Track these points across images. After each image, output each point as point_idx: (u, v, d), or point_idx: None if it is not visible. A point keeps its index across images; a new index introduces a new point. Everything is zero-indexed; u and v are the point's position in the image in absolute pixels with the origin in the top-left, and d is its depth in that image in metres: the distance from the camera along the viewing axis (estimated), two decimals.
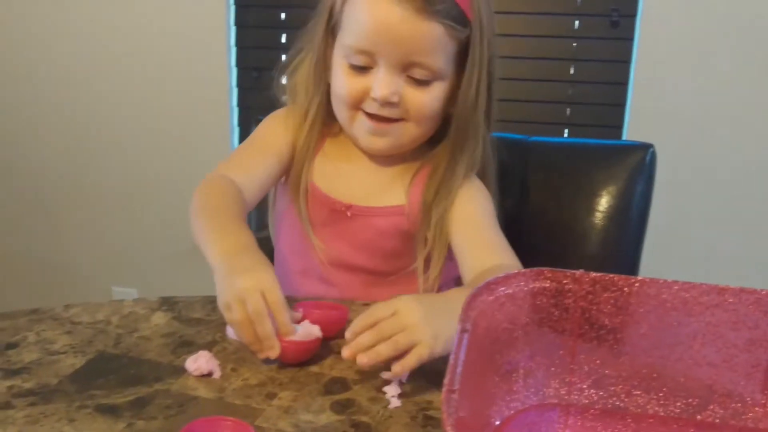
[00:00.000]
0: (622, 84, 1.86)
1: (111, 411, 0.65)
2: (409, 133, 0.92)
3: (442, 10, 0.85)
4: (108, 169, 2.18)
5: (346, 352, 0.69)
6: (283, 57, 2.01)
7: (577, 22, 1.85)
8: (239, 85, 2.07)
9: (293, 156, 0.99)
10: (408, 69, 0.88)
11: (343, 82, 0.91)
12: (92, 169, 2.19)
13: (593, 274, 0.55)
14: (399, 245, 0.97)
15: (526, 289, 0.55)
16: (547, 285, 0.56)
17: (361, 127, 0.92)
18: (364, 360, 0.68)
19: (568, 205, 1.11)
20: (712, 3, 1.74)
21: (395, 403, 0.67)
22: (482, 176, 0.99)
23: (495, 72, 0.94)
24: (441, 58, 0.88)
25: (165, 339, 0.78)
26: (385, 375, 0.70)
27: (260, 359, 0.72)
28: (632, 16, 1.81)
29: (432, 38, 0.86)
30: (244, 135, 2.10)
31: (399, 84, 0.88)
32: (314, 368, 0.73)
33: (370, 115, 0.91)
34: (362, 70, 0.89)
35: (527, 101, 1.91)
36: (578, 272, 0.55)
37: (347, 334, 0.70)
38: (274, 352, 0.70)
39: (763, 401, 0.55)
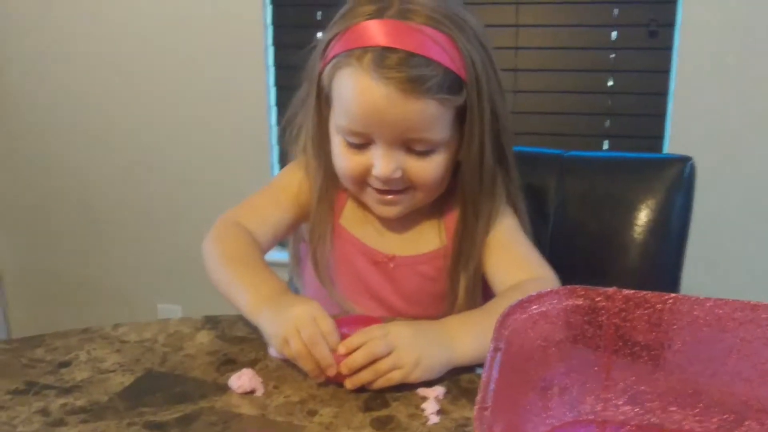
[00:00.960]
0: (661, 94, 1.84)
1: (159, 428, 0.67)
2: (418, 199, 0.90)
3: (433, 85, 0.80)
4: (152, 187, 2.23)
5: (343, 369, 0.72)
6: None
7: (614, 33, 1.85)
8: (278, 104, 2.10)
9: (308, 212, 0.97)
10: (406, 143, 0.85)
11: (343, 162, 0.88)
12: (137, 187, 2.24)
13: (626, 292, 0.56)
14: (445, 287, 0.95)
15: (559, 306, 0.56)
16: (581, 302, 0.56)
17: (370, 198, 0.91)
18: (348, 386, 0.72)
19: (607, 219, 1.10)
20: (752, 10, 1.71)
21: (434, 419, 0.68)
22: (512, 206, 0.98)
23: (503, 121, 0.90)
24: (439, 130, 0.84)
25: (209, 357, 0.80)
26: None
27: (317, 383, 0.74)
28: (671, 25, 1.80)
29: (425, 116, 0.82)
30: (282, 154, 2.13)
31: (400, 158, 0.85)
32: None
33: (378, 190, 0.89)
34: (360, 147, 0.86)
35: (566, 113, 1.91)
36: (611, 290, 0.56)
37: (340, 348, 0.72)
38: (332, 370, 0.72)
39: None
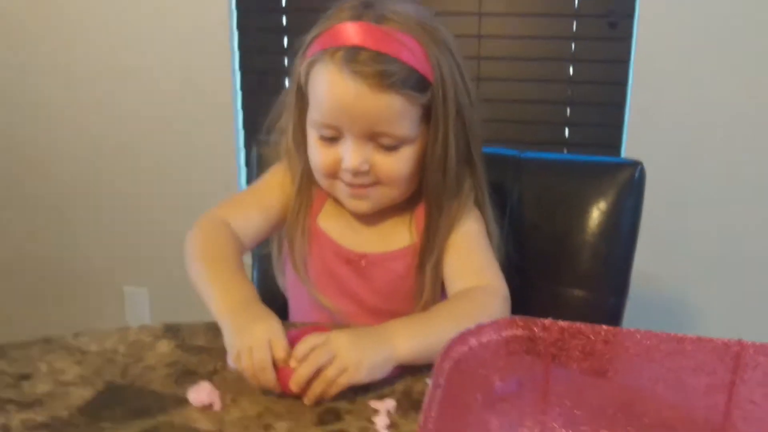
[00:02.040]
0: (620, 84, 1.87)
1: None
2: (386, 195, 0.95)
3: (398, 81, 0.86)
4: (116, 170, 2.22)
5: (293, 387, 0.75)
6: (285, 60, 2.04)
7: (575, 24, 1.87)
8: (243, 88, 2.10)
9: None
10: (374, 138, 0.90)
11: (316, 155, 0.94)
12: (101, 170, 2.23)
13: (561, 323, 0.59)
14: (414, 286, 0.99)
15: (499, 338, 0.59)
16: (519, 333, 0.59)
17: (341, 193, 0.96)
18: (307, 402, 0.75)
19: (560, 220, 1.14)
20: (709, 3, 1.75)
21: None
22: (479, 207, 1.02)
23: (470, 121, 0.95)
24: (405, 125, 0.90)
25: (168, 369, 0.82)
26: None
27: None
28: (630, 16, 1.82)
29: (392, 110, 0.87)
30: (248, 138, 2.14)
31: (367, 152, 0.90)
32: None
33: (348, 183, 0.93)
34: (332, 140, 0.91)
35: (527, 101, 1.94)
36: (548, 321, 0.59)
37: (291, 362, 0.75)
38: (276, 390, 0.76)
39: None
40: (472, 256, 0.96)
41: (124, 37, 2.10)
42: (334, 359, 0.75)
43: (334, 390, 0.75)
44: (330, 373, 0.75)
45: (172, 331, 0.91)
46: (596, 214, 1.11)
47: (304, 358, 0.75)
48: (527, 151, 1.19)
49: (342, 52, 0.86)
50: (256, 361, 0.75)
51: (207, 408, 0.75)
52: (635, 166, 1.11)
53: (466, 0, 1.89)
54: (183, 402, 0.76)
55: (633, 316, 1.17)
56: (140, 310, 2.32)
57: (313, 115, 0.92)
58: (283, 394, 0.77)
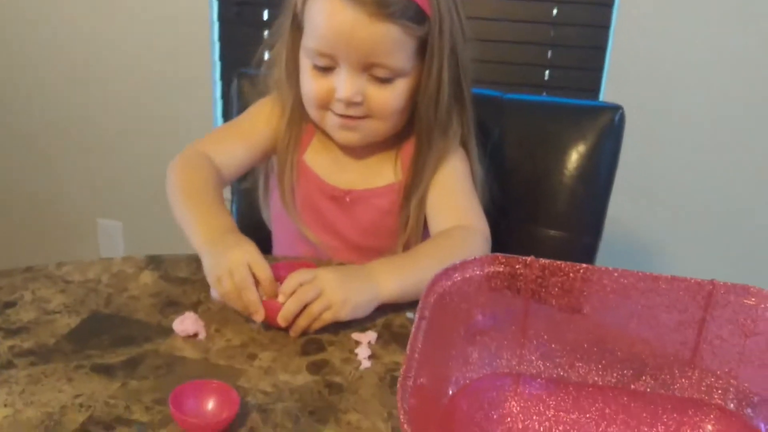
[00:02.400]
0: (604, 27, 1.87)
1: (106, 371, 0.71)
2: (376, 128, 0.95)
3: (397, 11, 0.86)
4: (91, 102, 2.18)
5: (281, 322, 0.77)
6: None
7: None
8: (220, 18, 2.06)
9: (275, 147, 1.02)
10: (369, 69, 0.89)
11: (309, 84, 0.93)
12: (75, 102, 2.18)
13: (542, 261, 0.61)
14: (399, 220, 1.00)
15: (481, 273, 0.61)
16: (501, 269, 0.61)
17: (331, 124, 0.95)
18: (292, 335, 0.77)
19: (541, 161, 1.15)
20: None
21: (366, 364, 0.73)
22: (465, 150, 1.02)
23: (463, 59, 0.95)
24: (401, 57, 0.89)
25: (153, 299, 0.84)
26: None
27: (249, 320, 0.79)
28: None
29: (389, 40, 0.87)
30: (225, 70, 2.10)
31: (361, 84, 0.90)
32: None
33: (339, 114, 0.93)
34: (326, 71, 0.91)
35: (508, 42, 1.93)
36: (529, 258, 0.61)
37: (280, 297, 0.77)
38: (259, 316, 0.77)
39: (689, 373, 0.62)
40: (455, 196, 0.97)
41: (100, 31, 2.06)
42: (320, 296, 0.76)
43: (318, 325, 0.77)
44: (315, 308, 0.76)
45: (155, 262, 0.92)
46: (575, 156, 1.13)
47: (291, 293, 0.76)
48: (509, 93, 1.19)
49: None
50: (237, 281, 0.76)
51: (192, 337, 0.77)
52: (616, 110, 1.12)
53: None
54: (168, 331, 0.77)
55: (605, 258, 1.20)
56: (114, 243, 2.32)
57: (309, 43, 0.91)
58: (267, 326, 0.79)
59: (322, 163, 1.02)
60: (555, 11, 1.88)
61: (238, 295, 0.76)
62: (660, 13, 1.80)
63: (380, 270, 0.82)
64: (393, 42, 0.88)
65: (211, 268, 0.80)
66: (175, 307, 0.82)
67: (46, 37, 2.14)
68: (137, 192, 2.25)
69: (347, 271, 0.81)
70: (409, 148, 1.00)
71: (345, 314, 0.78)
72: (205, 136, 1.01)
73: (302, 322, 0.77)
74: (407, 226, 0.99)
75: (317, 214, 1.02)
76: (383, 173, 1.01)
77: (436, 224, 0.96)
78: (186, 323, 0.77)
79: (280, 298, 0.77)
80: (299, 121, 1.01)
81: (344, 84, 0.90)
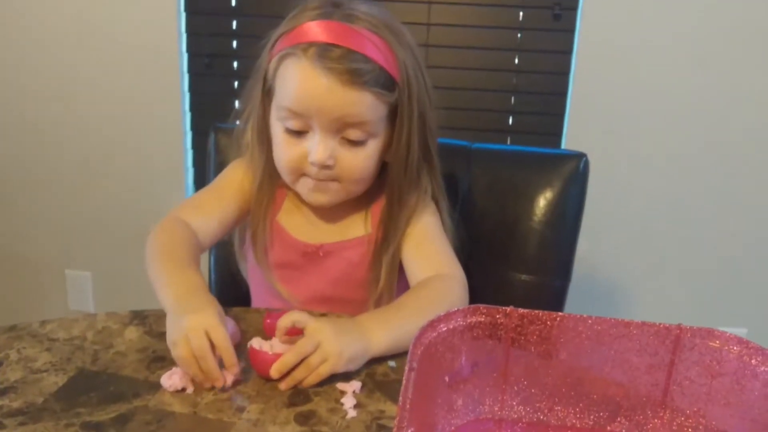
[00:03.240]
0: (563, 74, 1.95)
1: (96, 428, 0.72)
2: (346, 190, 0.98)
3: (370, 79, 0.89)
4: (59, 152, 2.18)
5: (275, 374, 0.78)
6: (234, 43, 2.03)
7: (521, 14, 1.93)
8: (190, 71, 2.09)
9: (249, 208, 1.04)
10: (341, 131, 0.92)
11: (282, 151, 0.96)
12: (43, 152, 2.19)
13: (521, 311, 0.64)
14: (368, 272, 1.03)
15: (464, 323, 0.64)
16: (483, 319, 0.65)
17: (303, 187, 0.98)
18: (283, 387, 0.79)
19: (509, 208, 1.20)
20: None
21: (352, 413, 0.75)
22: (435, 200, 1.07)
23: (430, 121, 1.00)
24: (373, 121, 0.93)
25: (139, 354, 0.85)
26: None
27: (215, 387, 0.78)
28: (573, 9, 1.90)
29: (361, 105, 0.90)
30: (195, 121, 2.13)
31: (334, 147, 0.93)
32: (279, 382, 0.81)
33: (311, 177, 0.96)
34: (298, 135, 0.94)
35: (474, 89, 1.99)
36: (509, 309, 0.64)
37: (277, 333, 0.81)
38: (218, 383, 0.78)
39: (661, 414, 0.65)
40: (430, 246, 1.01)
41: (70, 20, 2.06)
42: (317, 349, 0.78)
43: (315, 379, 0.79)
44: (314, 360, 0.78)
45: (139, 317, 0.93)
46: (543, 203, 1.18)
47: (285, 330, 0.79)
48: (476, 142, 1.24)
49: (314, 49, 0.88)
50: (195, 348, 0.76)
51: (180, 392, 0.78)
52: (580, 157, 1.18)
53: None
54: (156, 386, 0.79)
55: (575, 299, 1.25)
56: (83, 294, 2.30)
57: (283, 103, 0.93)
58: (228, 387, 0.79)
59: (294, 222, 1.05)
60: (517, 59, 1.96)
61: (194, 361, 0.76)
62: (617, 59, 1.89)
63: (369, 324, 0.84)
64: (366, 107, 0.91)
65: (169, 332, 0.80)
66: (161, 362, 0.83)
67: (16, 88, 2.14)
68: (106, 242, 2.24)
69: (341, 324, 0.83)
70: (379, 203, 1.03)
71: (341, 367, 0.79)
72: (182, 203, 1.03)
73: (299, 375, 0.78)
74: (380, 279, 1.02)
75: (290, 270, 1.05)
76: (354, 226, 1.05)
77: (413, 275, 0.99)
78: (174, 378, 0.79)
79: (278, 336, 0.80)
80: (271, 184, 1.03)
81: (317, 147, 0.92)
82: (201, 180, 2.04)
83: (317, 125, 0.92)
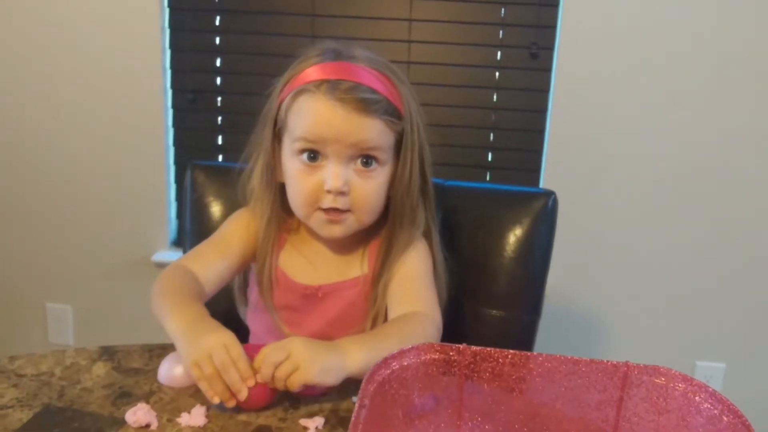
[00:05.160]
0: (541, 111, 1.99)
1: None
2: (358, 221, 1.01)
3: (379, 108, 0.95)
4: (42, 185, 2.20)
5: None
6: (218, 80, 2.06)
7: (499, 53, 1.97)
8: (174, 106, 2.12)
9: (254, 254, 1.07)
10: (355, 159, 0.96)
11: (297, 184, 0.99)
12: (26, 185, 2.20)
13: (474, 348, 0.66)
14: (365, 311, 1.06)
15: (418, 361, 0.65)
16: (437, 357, 0.66)
17: (318, 220, 1.01)
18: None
19: (480, 245, 1.21)
20: (623, 38, 1.88)
21: None
22: (428, 239, 1.09)
23: (426, 156, 1.05)
24: (383, 148, 0.98)
25: (106, 390, 0.86)
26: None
27: (226, 407, 0.82)
28: (550, 48, 1.94)
29: (374, 131, 0.95)
30: (178, 155, 2.15)
31: (348, 174, 0.97)
32: (242, 417, 0.82)
33: (326, 210, 0.99)
34: (314, 166, 0.97)
35: (454, 126, 2.03)
36: (462, 346, 0.66)
37: (258, 378, 0.83)
38: (241, 396, 0.81)
39: None
40: (414, 285, 1.04)
41: (57, 54, 2.09)
42: (287, 358, 0.81)
43: (291, 387, 0.81)
44: (282, 369, 0.80)
45: (108, 353, 0.94)
46: (512, 239, 1.20)
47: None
48: (450, 179, 1.27)
49: (325, 84, 0.94)
50: (218, 363, 0.80)
51: (144, 428, 0.79)
52: (549, 195, 1.20)
53: (396, 27, 1.97)
54: (120, 422, 0.79)
55: (546, 333, 1.26)
56: (63, 327, 2.30)
57: (299, 134, 0.96)
58: (238, 409, 0.82)
59: (294, 265, 1.07)
60: (495, 97, 2.00)
61: (219, 376, 0.80)
62: (593, 97, 1.93)
63: (347, 343, 0.87)
64: (377, 133, 0.96)
65: (187, 354, 0.83)
66: (127, 398, 0.84)
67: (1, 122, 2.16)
68: (86, 275, 2.25)
69: (315, 341, 0.86)
70: (376, 242, 1.07)
71: (313, 375, 0.81)
72: (185, 254, 1.07)
73: (277, 385, 0.81)
74: (375, 314, 1.05)
75: (289, 311, 1.07)
76: (351, 267, 1.07)
77: (393, 310, 1.01)
78: (138, 414, 0.79)
79: (258, 379, 0.82)
80: (275, 227, 1.06)
81: (332, 174, 0.96)
82: (183, 214, 2.06)
83: (332, 153, 0.96)
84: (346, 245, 1.07)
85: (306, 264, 1.08)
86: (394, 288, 1.04)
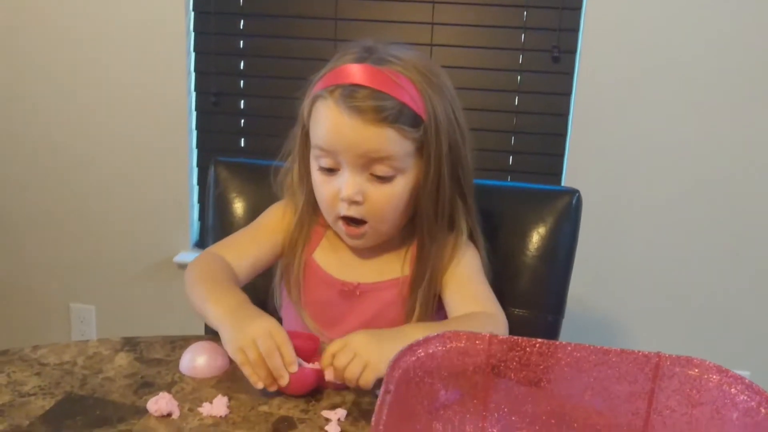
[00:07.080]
0: (562, 115, 1.97)
1: None
2: (379, 231, 1.01)
3: (390, 116, 0.92)
4: (66, 187, 2.21)
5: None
6: (241, 83, 2.07)
7: (521, 57, 1.96)
8: (198, 109, 2.13)
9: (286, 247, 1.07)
10: (369, 167, 0.95)
11: (320, 188, 1.00)
12: (48, 186, 2.22)
13: (500, 337, 0.65)
14: (402, 313, 1.05)
15: (443, 349, 0.64)
16: (462, 345, 0.65)
17: (340, 229, 1.01)
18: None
19: (503, 243, 1.20)
20: (645, 41, 1.87)
21: None
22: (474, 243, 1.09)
23: (462, 159, 1.02)
24: (398, 156, 0.95)
25: (128, 380, 0.85)
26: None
27: (268, 390, 0.82)
28: (572, 52, 1.93)
29: (384, 140, 0.93)
30: (201, 157, 2.16)
31: (362, 183, 0.96)
32: (264, 408, 0.81)
33: (344, 219, 0.99)
34: (331, 172, 0.97)
35: (476, 129, 2.01)
36: (488, 335, 0.65)
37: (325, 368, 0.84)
38: (283, 381, 0.81)
39: None
40: (471, 286, 1.03)
41: (82, 58, 2.11)
42: (354, 358, 0.81)
43: (364, 386, 0.81)
44: (352, 370, 0.81)
45: (130, 344, 0.94)
46: (536, 238, 1.18)
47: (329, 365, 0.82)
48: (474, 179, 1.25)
49: (340, 90, 0.93)
50: (264, 349, 0.81)
51: (166, 417, 0.78)
52: (573, 193, 1.19)
53: (419, 30, 1.97)
54: (142, 411, 0.79)
55: (569, 334, 1.24)
56: (87, 327, 2.31)
57: (315, 142, 0.97)
58: (277, 393, 0.83)
59: (331, 261, 1.07)
60: (517, 101, 1.99)
61: (263, 361, 0.81)
62: (615, 100, 1.92)
63: (412, 329, 0.87)
64: (388, 142, 0.94)
65: (232, 339, 0.84)
66: (149, 387, 0.84)
67: (21, 115, 2.18)
68: (110, 275, 2.26)
69: (377, 332, 0.86)
70: (415, 246, 1.05)
71: (383, 369, 0.79)
72: (218, 242, 1.07)
73: (350, 386, 0.82)
74: (413, 317, 1.04)
75: (324, 307, 1.07)
76: (390, 268, 1.06)
77: (456, 310, 1.00)
78: (160, 403, 0.79)
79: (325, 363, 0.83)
80: (309, 221, 1.07)
81: (346, 182, 0.96)
82: (205, 210, 2.06)
83: (345, 162, 0.95)
84: (385, 245, 1.06)
85: (344, 260, 1.07)
86: (449, 294, 1.03)
